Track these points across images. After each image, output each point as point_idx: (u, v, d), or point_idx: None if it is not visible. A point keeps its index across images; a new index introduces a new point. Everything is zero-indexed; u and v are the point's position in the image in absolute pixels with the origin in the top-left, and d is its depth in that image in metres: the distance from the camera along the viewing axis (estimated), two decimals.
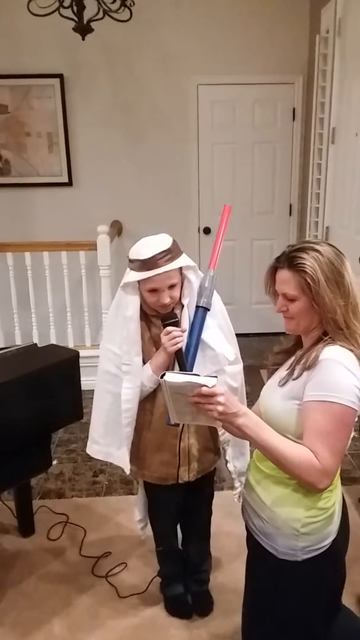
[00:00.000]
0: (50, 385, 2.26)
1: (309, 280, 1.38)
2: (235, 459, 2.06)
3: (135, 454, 1.98)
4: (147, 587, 2.39)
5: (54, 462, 3.15)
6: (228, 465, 2.05)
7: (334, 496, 1.48)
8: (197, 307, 1.81)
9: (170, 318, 1.77)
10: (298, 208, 5.06)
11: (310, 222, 4.33)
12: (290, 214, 5.11)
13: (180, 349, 1.74)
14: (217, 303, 1.89)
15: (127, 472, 1.96)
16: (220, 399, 1.32)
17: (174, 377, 1.34)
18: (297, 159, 4.95)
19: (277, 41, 4.65)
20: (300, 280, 1.40)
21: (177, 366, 1.77)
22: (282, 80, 4.77)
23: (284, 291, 1.45)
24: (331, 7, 3.75)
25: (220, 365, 1.85)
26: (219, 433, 1.99)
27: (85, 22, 3.45)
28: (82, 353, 2.48)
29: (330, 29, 3.78)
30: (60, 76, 4.64)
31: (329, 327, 1.41)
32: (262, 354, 4.19)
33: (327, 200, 3.92)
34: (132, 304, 1.80)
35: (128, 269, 1.79)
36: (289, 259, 1.42)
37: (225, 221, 1.94)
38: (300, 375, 1.42)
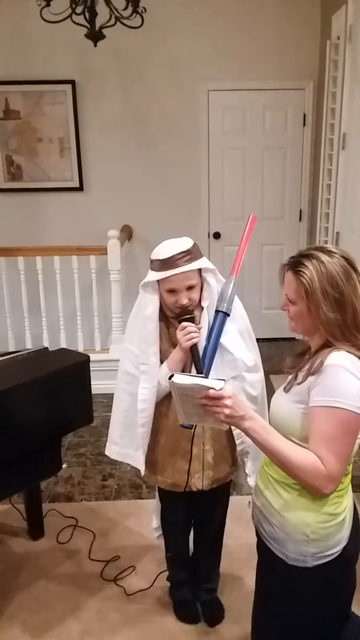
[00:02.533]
0: (61, 389, 2.28)
1: (303, 289, 1.39)
2: (256, 474, 2.05)
3: (150, 458, 1.98)
4: (153, 582, 2.40)
5: (64, 466, 3.16)
6: (248, 479, 2.03)
7: (345, 502, 1.48)
8: (217, 311, 1.82)
9: (186, 314, 1.78)
10: (308, 213, 5.06)
11: (321, 228, 4.32)
12: (300, 220, 5.10)
13: (195, 345, 1.75)
14: (238, 309, 1.90)
15: (142, 473, 1.97)
16: (228, 401, 1.33)
17: (182, 378, 1.35)
18: (308, 164, 4.95)
19: (287, 47, 4.66)
20: (298, 287, 1.41)
21: (193, 366, 1.78)
22: (292, 86, 4.78)
23: (285, 292, 1.47)
24: (342, 13, 3.75)
25: (238, 370, 1.85)
26: (237, 442, 1.98)
27: (97, 28, 3.47)
28: (92, 357, 2.49)
29: (341, 35, 3.78)
30: (72, 82, 4.68)
31: (327, 336, 1.41)
32: (272, 359, 4.21)
33: (338, 206, 3.92)
34: (151, 304, 1.82)
35: (149, 270, 1.81)
36: (294, 263, 1.43)
37: (249, 230, 1.95)
38: (304, 380, 1.42)
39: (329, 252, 1.41)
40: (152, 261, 1.80)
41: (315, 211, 4.72)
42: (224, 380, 1.36)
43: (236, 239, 1.99)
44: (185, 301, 1.77)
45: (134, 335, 1.89)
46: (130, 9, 3.48)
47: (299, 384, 1.44)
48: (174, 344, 1.84)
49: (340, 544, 1.47)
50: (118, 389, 1.98)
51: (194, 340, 1.75)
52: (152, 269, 1.79)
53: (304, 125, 4.88)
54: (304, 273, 1.38)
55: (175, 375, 1.36)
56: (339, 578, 1.52)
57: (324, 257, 1.39)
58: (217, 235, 5.06)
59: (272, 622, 1.60)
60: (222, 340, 1.82)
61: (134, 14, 3.49)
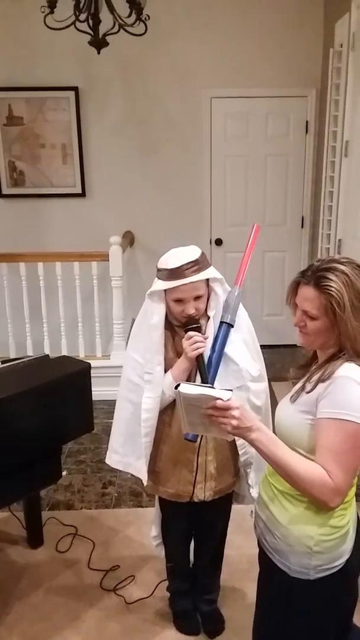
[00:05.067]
0: (62, 397, 2.26)
1: (334, 304, 1.34)
2: (259, 485, 2.03)
3: (152, 468, 1.96)
4: (153, 592, 2.38)
5: (64, 473, 3.14)
6: (251, 491, 2.01)
7: (348, 514, 1.46)
8: (221, 322, 1.81)
9: (192, 323, 1.77)
10: (310, 220, 5.05)
11: (323, 235, 4.32)
12: (302, 226, 5.10)
13: (201, 355, 1.74)
14: (243, 319, 1.89)
15: (145, 483, 1.95)
16: (235, 412, 1.31)
17: (189, 388, 1.33)
18: (310, 171, 4.95)
19: (290, 55, 4.67)
20: (326, 302, 1.35)
21: (198, 375, 1.77)
22: (295, 94, 4.79)
23: (305, 308, 1.41)
24: (345, 21, 3.76)
25: (243, 380, 1.84)
26: (240, 453, 1.96)
27: (100, 36, 3.48)
28: (92, 364, 2.48)
29: (344, 43, 3.79)
30: (75, 89, 4.70)
31: (346, 351, 1.39)
32: (273, 366, 4.19)
33: (340, 213, 3.91)
34: (157, 313, 1.81)
35: (156, 278, 1.80)
36: (316, 277, 1.37)
37: (253, 240, 1.93)
38: (313, 388, 1.40)
39: (343, 264, 1.38)
40: (159, 270, 1.78)
41: (317, 218, 4.72)
42: (231, 390, 1.34)
43: (238, 245, 1.99)
44: (192, 311, 1.76)
45: (138, 343, 1.88)
46: (133, 17, 3.48)
47: (307, 392, 1.42)
48: (178, 353, 1.83)
49: (343, 556, 1.45)
50: (120, 398, 1.96)
51: (200, 350, 1.73)
52: (159, 278, 1.78)
53: (307, 132, 4.88)
54: (332, 287, 1.34)
55: (181, 384, 1.34)
56: (341, 591, 1.50)
57: (345, 269, 1.36)
58: (219, 242, 5.06)
59: (273, 635, 1.58)
60: (227, 350, 1.80)
61: (138, 22, 3.49)
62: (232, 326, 1.82)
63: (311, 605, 1.47)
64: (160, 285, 1.77)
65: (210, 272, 1.78)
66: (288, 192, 5.03)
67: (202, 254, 1.78)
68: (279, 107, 4.82)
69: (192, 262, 1.73)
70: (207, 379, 1.72)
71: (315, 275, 1.38)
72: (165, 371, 1.84)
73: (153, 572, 2.52)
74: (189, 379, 1.81)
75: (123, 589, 2.45)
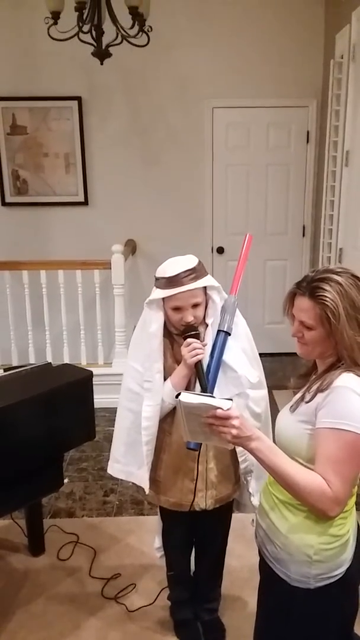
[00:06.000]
0: (64, 405, 2.27)
1: (329, 314, 1.35)
2: (259, 493, 2.04)
3: (153, 477, 1.97)
4: (155, 600, 2.38)
5: (65, 481, 3.15)
6: (252, 499, 2.01)
7: (348, 523, 1.46)
8: (219, 330, 1.83)
9: (191, 331, 1.78)
10: (311, 229, 5.07)
11: (324, 244, 4.33)
12: (303, 235, 5.12)
13: (200, 362, 1.75)
14: (241, 327, 1.91)
15: (147, 492, 1.95)
16: (235, 422, 1.32)
17: (189, 397, 1.34)
18: (311, 181, 4.98)
19: (292, 65, 4.71)
20: (321, 312, 1.37)
21: (197, 383, 1.78)
22: (296, 104, 4.82)
23: (301, 319, 1.42)
24: (346, 32, 3.80)
25: (242, 387, 1.85)
26: (240, 461, 1.97)
27: (103, 47, 3.52)
28: (94, 371, 2.49)
29: (344, 54, 3.82)
30: (78, 99, 4.74)
31: (344, 360, 1.40)
32: (275, 374, 4.19)
33: (341, 222, 3.93)
34: (155, 321, 1.82)
35: (154, 287, 1.81)
36: (311, 288, 1.39)
37: (246, 249, 1.95)
38: (312, 398, 1.41)
39: (338, 274, 1.39)
40: (157, 279, 1.80)
41: (318, 227, 4.74)
42: (231, 400, 1.35)
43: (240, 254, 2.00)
44: (190, 319, 1.77)
45: (137, 352, 1.90)
46: (136, 28, 3.53)
47: (306, 402, 1.43)
48: (177, 360, 1.84)
49: (343, 565, 1.45)
50: (121, 407, 1.97)
51: (199, 357, 1.75)
52: (157, 287, 1.80)
53: (307, 142, 4.91)
54: (327, 297, 1.35)
55: (182, 393, 1.35)
56: (342, 600, 1.50)
57: (341, 279, 1.37)
58: (220, 250, 5.08)
59: None
60: (225, 357, 1.81)
61: (140, 33, 3.54)
62: (230, 334, 1.83)
63: (311, 614, 1.47)
64: (158, 293, 1.78)
65: (207, 280, 1.80)
66: (289, 202, 5.05)
67: (199, 262, 1.80)
68: (280, 117, 4.85)
69: (189, 270, 1.75)
70: (206, 386, 1.74)
71: (310, 285, 1.40)
72: (165, 379, 1.85)
73: (154, 580, 2.52)
74: (189, 386, 1.83)
75: (124, 597, 2.44)
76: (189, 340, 1.76)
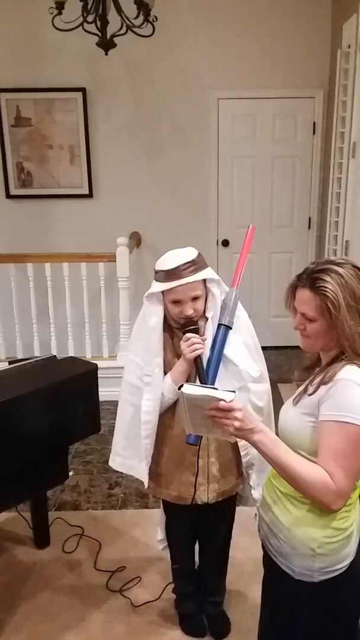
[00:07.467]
0: (69, 398, 2.27)
1: (329, 304, 1.35)
2: (261, 486, 2.03)
3: (154, 471, 1.96)
4: (160, 594, 2.38)
5: (70, 474, 3.16)
6: (253, 492, 2.01)
7: (352, 517, 1.46)
8: (219, 324, 1.81)
9: (190, 325, 1.77)
10: (317, 221, 5.04)
11: (330, 236, 4.30)
12: (309, 228, 5.09)
13: (199, 357, 1.74)
14: (243, 320, 1.89)
15: (146, 486, 1.95)
16: (238, 414, 1.31)
17: (192, 389, 1.33)
18: (317, 172, 4.94)
19: (298, 56, 4.66)
20: (321, 303, 1.37)
21: (197, 378, 1.76)
22: (302, 95, 4.78)
23: (302, 311, 1.42)
24: (353, 22, 3.75)
25: (243, 381, 1.83)
26: (242, 454, 1.96)
27: (108, 37, 3.49)
28: (99, 364, 2.48)
29: (352, 44, 3.78)
30: (82, 90, 4.71)
31: (346, 352, 1.39)
32: (280, 368, 4.17)
33: (347, 214, 3.89)
34: (155, 315, 1.81)
35: (154, 280, 1.80)
36: (311, 280, 1.39)
37: (249, 241, 1.93)
38: (315, 391, 1.41)
39: (340, 265, 1.39)
40: (156, 272, 1.79)
41: (324, 219, 4.70)
42: (234, 392, 1.34)
43: None
44: (190, 312, 1.76)
45: (137, 346, 1.89)
46: (141, 18, 3.49)
47: (309, 395, 1.42)
48: (178, 355, 1.83)
49: (347, 558, 1.45)
50: (122, 400, 1.97)
51: (198, 352, 1.74)
52: (157, 280, 1.78)
53: (314, 133, 4.87)
54: (327, 288, 1.35)
55: (185, 385, 1.34)
56: (346, 593, 1.49)
57: (342, 270, 1.37)
58: (225, 243, 5.05)
59: (279, 637, 1.57)
60: (226, 351, 1.80)
61: (145, 23, 3.50)
62: (230, 328, 1.82)
63: (316, 608, 1.47)
64: (157, 287, 1.77)
65: (207, 273, 1.78)
66: (295, 194, 5.02)
67: (199, 254, 1.79)
68: (286, 109, 4.81)
69: (188, 262, 1.73)
70: (206, 381, 1.72)
71: (310, 277, 1.39)
72: (165, 373, 1.84)
73: (159, 573, 2.52)
74: (188, 381, 1.81)
75: (129, 590, 2.45)
76: (188, 335, 1.75)
